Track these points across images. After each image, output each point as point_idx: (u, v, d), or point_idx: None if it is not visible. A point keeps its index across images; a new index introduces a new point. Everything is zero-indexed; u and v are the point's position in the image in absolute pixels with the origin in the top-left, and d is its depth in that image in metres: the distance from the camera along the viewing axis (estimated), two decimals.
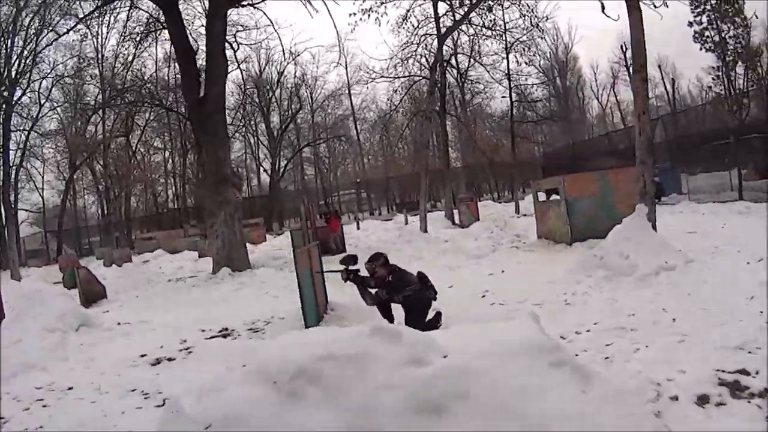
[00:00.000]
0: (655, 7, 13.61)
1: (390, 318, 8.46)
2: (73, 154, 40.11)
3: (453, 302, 9.54)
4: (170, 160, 53.07)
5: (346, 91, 57.95)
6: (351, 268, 8.76)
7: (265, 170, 55.47)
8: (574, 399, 3.32)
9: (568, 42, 54.14)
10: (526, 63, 32.40)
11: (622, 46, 58.25)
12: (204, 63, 18.90)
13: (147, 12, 24.37)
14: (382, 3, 24.52)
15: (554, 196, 17.97)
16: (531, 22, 25.11)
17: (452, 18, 26.26)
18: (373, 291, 8.54)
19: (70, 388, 7.16)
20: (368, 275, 8.59)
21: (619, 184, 15.51)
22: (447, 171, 30.30)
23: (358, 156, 63.96)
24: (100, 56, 41.43)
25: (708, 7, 36.47)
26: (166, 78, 42.50)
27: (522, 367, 3.40)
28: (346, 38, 51.34)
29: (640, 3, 12.61)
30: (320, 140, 56.67)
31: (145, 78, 37.50)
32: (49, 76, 37.29)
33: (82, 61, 39.06)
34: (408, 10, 26.92)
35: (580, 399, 3.34)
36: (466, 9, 25.41)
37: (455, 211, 27.97)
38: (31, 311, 9.88)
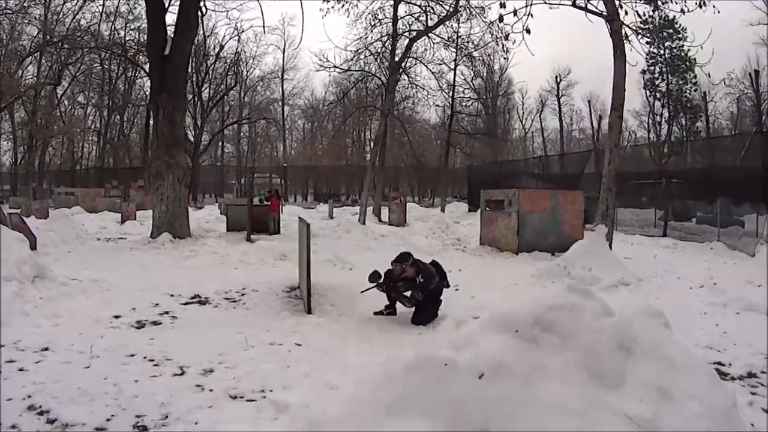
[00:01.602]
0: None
1: (393, 301, 8.30)
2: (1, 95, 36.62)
3: None
4: (92, 117, 50.40)
5: (279, 75, 56.69)
6: (381, 281, 8.19)
7: (190, 142, 53.06)
8: (688, 352, 3.85)
9: (503, 63, 54.44)
10: (480, 77, 32.17)
11: (557, 77, 59.95)
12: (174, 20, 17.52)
13: None
14: None
15: (487, 209, 17.99)
16: (497, 40, 24.60)
17: (416, 22, 25.94)
18: (407, 294, 8.04)
19: (45, 349, 6.03)
20: (394, 277, 8.10)
21: (566, 205, 16.31)
22: (382, 168, 29.76)
23: (279, 141, 62.60)
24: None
25: (661, 60, 38.10)
26: (109, 31, 40.15)
27: (651, 323, 3.87)
28: (288, 23, 50.22)
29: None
30: (250, 119, 54.91)
31: (89, 28, 34.99)
32: None
33: None
34: (378, 7, 26.27)
35: (689, 352, 3.88)
36: (431, 18, 25.04)
37: (384, 210, 27.60)
38: None
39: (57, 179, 47.89)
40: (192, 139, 40.45)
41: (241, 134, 60.80)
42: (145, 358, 5.83)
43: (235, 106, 56.53)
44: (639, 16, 14.55)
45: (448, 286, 8.32)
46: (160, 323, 7.48)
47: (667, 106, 42.11)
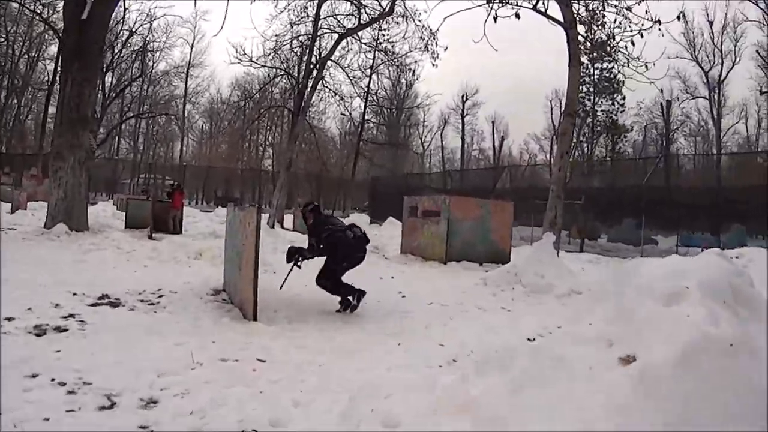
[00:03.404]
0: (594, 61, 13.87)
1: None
2: None
3: (381, 299, 8.75)
4: None
5: (185, 71, 53.63)
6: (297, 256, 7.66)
7: (97, 121, 48.52)
8: None
9: (410, 78, 53.32)
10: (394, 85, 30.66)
11: (463, 96, 59.93)
12: None
13: None
14: None
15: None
16: (428, 47, 23.30)
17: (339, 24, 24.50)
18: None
19: None
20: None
21: (497, 215, 15.54)
22: (287, 173, 27.83)
23: (177, 140, 59.09)
24: None
25: (589, 80, 38.81)
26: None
27: None
28: (201, 17, 47.64)
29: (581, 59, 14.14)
30: (151, 114, 51.04)
31: None
32: None
33: None
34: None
35: None
36: (360, 19, 23.63)
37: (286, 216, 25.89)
38: None
39: None
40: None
41: (139, 130, 56.99)
42: (53, 380, 4.11)
43: (135, 98, 52.60)
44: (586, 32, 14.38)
45: (361, 233, 7.68)
46: (66, 329, 5.65)
47: (591, 126, 42.89)
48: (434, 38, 22.49)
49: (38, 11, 30.65)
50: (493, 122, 61.25)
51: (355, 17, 23.96)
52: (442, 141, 64.46)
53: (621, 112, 43.28)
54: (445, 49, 22.76)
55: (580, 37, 13.66)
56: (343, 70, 27.80)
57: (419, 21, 23.16)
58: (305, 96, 24.15)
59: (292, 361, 5.04)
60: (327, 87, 28.79)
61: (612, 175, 34.27)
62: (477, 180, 37.76)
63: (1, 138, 46.85)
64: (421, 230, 15.89)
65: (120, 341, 5.25)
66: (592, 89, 41.58)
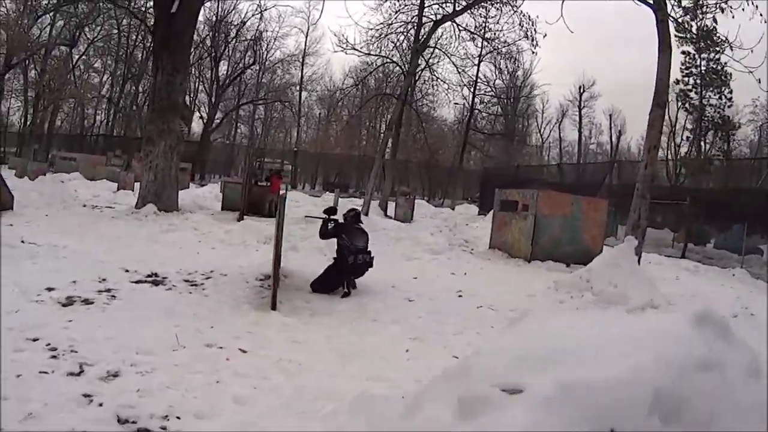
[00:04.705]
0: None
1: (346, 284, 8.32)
2: (11, 50, 35.11)
3: (433, 296, 8.79)
4: (107, 85, 49.17)
5: (300, 59, 55.29)
6: (333, 217, 8.79)
7: (201, 117, 51.65)
8: None
9: (527, 68, 52.41)
10: (504, 75, 30.55)
11: (580, 88, 58.36)
12: None
13: None
14: None
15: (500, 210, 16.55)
16: (527, 33, 23.32)
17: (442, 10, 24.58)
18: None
19: None
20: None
21: (588, 213, 14.99)
22: (392, 160, 28.26)
23: (294, 126, 61.13)
24: None
25: (696, 72, 36.75)
26: None
27: None
28: (313, 7, 48.91)
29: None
30: (265, 100, 53.32)
31: None
32: None
33: None
34: None
35: None
36: (459, 5, 23.67)
37: (390, 204, 26.21)
38: None
39: (65, 144, 46.65)
40: (190, 106, 38.81)
41: (256, 116, 59.59)
42: (47, 345, 4.64)
43: (252, 86, 54.81)
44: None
45: (363, 261, 8.36)
46: (92, 302, 6.23)
47: (698, 121, 40.48)
48: (533, 24, 22.43)
49: (128, 6, 32.72)
50: (610, 116, 59.74)
51: (458, 4, 24.01)
52: (560, 133, 63.63)
53: (729, 107, 40.37)
54: (544, 36, 22.73)
55: (673, 23, 12.94)
56: (449, 58, 27.89)
57: (515, 7, 23.24)
58: (410, 81, 24.48)
59: (275, 356, 5.11)
60: (435, 75, 29.03)
61: (724, 176, 32.11)
62: (589, 175, 36.69)
63: (120, 123, 50.27)
64: (509, 225, 15.43)
65: (131, 318, 5.72)
66: (699, 81, 39.02)
